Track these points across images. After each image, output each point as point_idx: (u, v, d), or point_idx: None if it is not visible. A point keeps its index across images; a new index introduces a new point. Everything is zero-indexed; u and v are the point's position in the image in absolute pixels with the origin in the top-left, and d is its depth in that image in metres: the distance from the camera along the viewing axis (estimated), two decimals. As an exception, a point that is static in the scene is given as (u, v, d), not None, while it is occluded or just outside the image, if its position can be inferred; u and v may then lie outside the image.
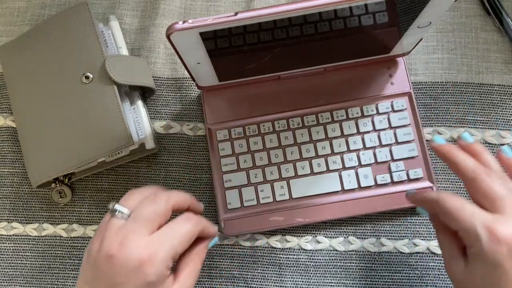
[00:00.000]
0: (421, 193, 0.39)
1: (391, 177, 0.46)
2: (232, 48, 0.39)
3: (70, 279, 0.47)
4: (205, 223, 0.38)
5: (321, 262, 0.46)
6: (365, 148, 0.47)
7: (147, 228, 0.34)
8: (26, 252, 0.48)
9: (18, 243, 0.48)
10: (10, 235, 0.48)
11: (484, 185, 0.34)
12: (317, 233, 0.47)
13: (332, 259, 0.46)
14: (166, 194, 0.37)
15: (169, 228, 0.35)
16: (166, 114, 0.50)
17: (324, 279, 0.46)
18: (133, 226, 0.34)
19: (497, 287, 0.32)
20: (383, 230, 0.47)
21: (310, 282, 0.46)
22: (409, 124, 0.47)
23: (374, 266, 0.46)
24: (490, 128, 0.48)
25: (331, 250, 0.46)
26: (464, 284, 0.34)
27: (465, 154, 0.36)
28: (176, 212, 0.38)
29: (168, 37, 0.33)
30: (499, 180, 0.35)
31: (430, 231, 0.46)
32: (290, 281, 0.46)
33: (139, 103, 0.48)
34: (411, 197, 0.40)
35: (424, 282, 0.45)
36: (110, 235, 0.34)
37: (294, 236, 0.47)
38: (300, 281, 0.46)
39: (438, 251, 0.46)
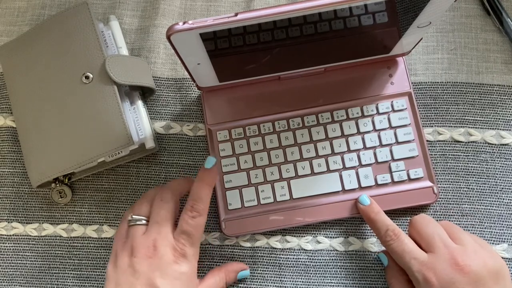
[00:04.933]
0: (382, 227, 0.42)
1: (392, 177, 0.46)
2: (232, 49, 0.38)
3: (70, 279, 0.47)
4: (206, 206, 0.41)
5: (321, 262, 0.46)
6: (365, 148, 0.47)
7: (168, 227, 0.40)
8: (26, 252, 0.48)
9: (18, 243, 0.48)
10: (10, 235, 0.48)
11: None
12: (317, 233, 0.47)
13: (332, 259, 0.46)
14: (169, 191, 0.42)
15: (184, 232, 0.40)
16: (166, 114, 0.50)
17: (324, 279, 0.46)
18: (157, 228, 0.39)
19: None
20: (383, 230, 0.47)
21: (310, 282, 0.46)
22: (409, 124, 0.47)
23: (374, 266, 0.46)
24: (490, 128, 0.48)
25: (331, 250, 0.46)
26: None
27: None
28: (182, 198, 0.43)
29: (168, 38, 0.33)
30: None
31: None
32: (290, 281, 0.46)
33: (139, 103, 0.48)
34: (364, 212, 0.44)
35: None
36: (140, 241, 0.39)
37: (294, 236, 0.47)
38: (300, 281, 0.46)
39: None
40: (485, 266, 0.37)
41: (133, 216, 0.41)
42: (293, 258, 0.46)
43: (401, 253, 0.39)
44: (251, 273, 0.46)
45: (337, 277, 0.46)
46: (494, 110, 0.49)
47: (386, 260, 0.44)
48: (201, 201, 0.40)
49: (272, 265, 0.46)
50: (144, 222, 0.41)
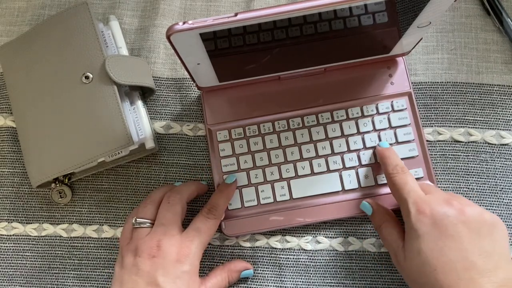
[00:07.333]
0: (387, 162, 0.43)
1: (391, 177, 0.46)
2: (232, 49, 0.38)
3: (70, 279, 0.47)
4: (221, 213, 0.44)
5: (321, 262, 0.46)
6: (365, 148, 0.47)
7: (174, 229, 0.40)
8: (26, 252, 0.48)
9: (18, 243, 0.48)
10: (10, 235, 0.48)
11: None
12: (317, 233, 0.47)
13: (332, 259, 0.46)
14: (178, 194, 0.43)
15: (196, 229, 0.41)
16: (166, 114, 0.50)
17: (324, 279, 0.46)
18: (163, 230, 0.40)
19: (424, 256, 0.36)
20: (383, 230, 0.47)
21: (310, 282, 0.46)
22: (409, 124, 0.47)
23: (374, 266, 0.46)
24: (490, 128, 0.48)
25: (331, 250, 0.46)
26: (408, 269, 0.38)
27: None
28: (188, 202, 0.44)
29: (168, 38, 0.33)
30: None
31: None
32: (290, 281, 0.46)
33: (139, 103, 0.48)
34: (379, 153, 0.45)
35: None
36: (144, 241, 0.40)
37: (294, 236, 0.47)
38: (300, 282, 0.46)
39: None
40: (481, 215, 0.37)
41: (137, 219, 0.41)
42: (293, 258, 0.46)
43: (402, 185, 0.40)
44: (251, 273, 0.46)
45: (337, 277, 0.46)
46: (494, 110, 0.49)
47: (370, 208, 0.44)
48: (218, 208, 0.43)
49: (272, 265, 0.46)
50: (148, 225, 0.41)
